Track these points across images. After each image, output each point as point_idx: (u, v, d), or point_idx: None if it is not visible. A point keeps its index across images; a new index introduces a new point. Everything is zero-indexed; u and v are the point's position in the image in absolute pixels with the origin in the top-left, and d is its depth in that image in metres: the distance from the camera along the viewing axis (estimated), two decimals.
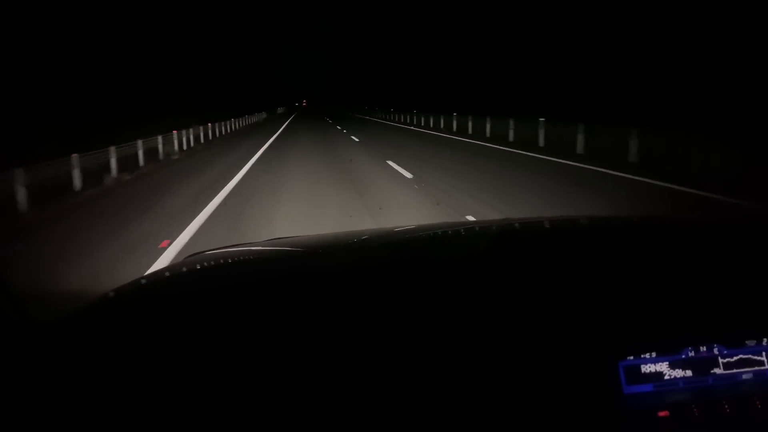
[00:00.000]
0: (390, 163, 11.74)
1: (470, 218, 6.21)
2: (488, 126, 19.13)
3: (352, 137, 21.13)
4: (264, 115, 50.52)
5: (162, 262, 4.73)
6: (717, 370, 0.74)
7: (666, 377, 0.73)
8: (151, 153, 14.08)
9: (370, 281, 0.96)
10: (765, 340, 0.76)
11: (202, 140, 20.94)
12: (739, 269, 0.94)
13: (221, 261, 1.26)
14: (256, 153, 15.41)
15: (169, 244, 5.31)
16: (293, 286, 0.95)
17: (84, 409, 0.67)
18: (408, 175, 9.80)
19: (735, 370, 0.74)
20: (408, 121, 34.24)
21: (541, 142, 14.65)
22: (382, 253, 1.25)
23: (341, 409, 0.67)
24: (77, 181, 9.36)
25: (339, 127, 29.71)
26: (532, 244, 1.24)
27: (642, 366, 0.73)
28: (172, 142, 16.47)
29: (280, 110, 74.56)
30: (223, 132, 26.52)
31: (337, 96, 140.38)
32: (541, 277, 0.93)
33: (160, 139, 15.30)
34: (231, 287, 0.98)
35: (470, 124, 21.35)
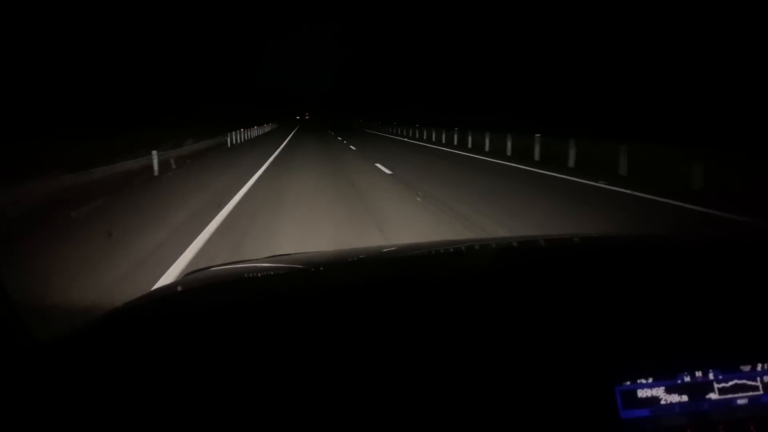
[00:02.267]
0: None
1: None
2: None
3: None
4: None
5: None
6: (712, 395, 0.75)
7: (662, 402, 0.74)
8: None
9: (371, 298, 0.97)
10: (760, 365, 0.77)
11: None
12: (734, 292, 0.95)
13: (221, 279, 1.27)
14: None
15: None
16: (294, 303, 0.97)
17: (87, 425, 0.67)
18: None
19: (730, 395, 0.75)
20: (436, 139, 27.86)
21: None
22: (383, 270, 1.26)
23: (341, 424, 0.67)
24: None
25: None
26: (529, 264, 1.25)
27: (638, 390, 0.73)
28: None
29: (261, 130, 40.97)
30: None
31: (344, 107, 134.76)
32: (537, 299, 0.94)
33: None
34: (231, 305, 0.99)
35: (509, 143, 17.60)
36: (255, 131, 35.50)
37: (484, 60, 32.28)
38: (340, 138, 32.91)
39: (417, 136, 32.29)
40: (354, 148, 22.47)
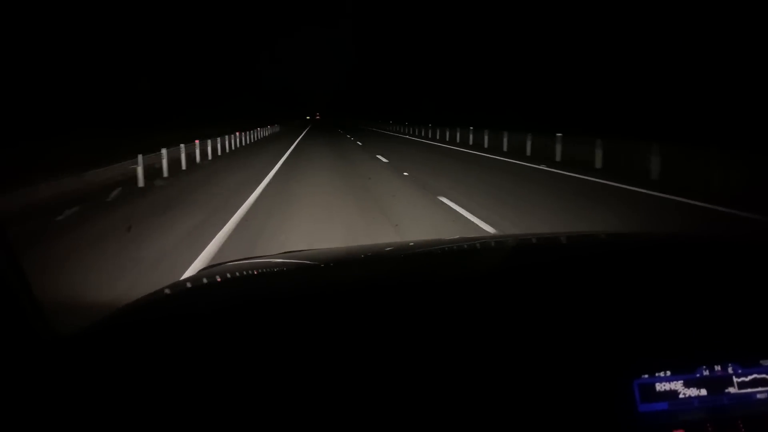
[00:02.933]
0: None
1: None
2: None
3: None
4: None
5: None
6: (731, 389, 0.75)
7: (680, 396, 0.73)
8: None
9: (382, 295, 0.98)
10: None
11: None
12: (755, 287, 0.94)
13: (236, 274, 1.28)
14: None
15: None
16: (307, 299, 0.97)
17: (104, 419, 0.68)
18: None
19: (749, 390, 0.75)
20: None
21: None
22: (394, 267, 1.26)
23: (352, 421, 0.68)
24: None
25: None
26: (548, 259, 1.25)
27: (657, 384, 0.73)
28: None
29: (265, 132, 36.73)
30: None
31: (355, 107, 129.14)
32: (556, 294, 0.94)
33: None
34: (245, 300, 1.00)
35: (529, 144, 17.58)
36: (259, 132, 33.24)
37: (495, 58, 32.19)
38: (349, 136, 35.55)
39: (430, 136, 32.08)
40: (360, 144, 26.77)
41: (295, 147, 23.81)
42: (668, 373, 0.74)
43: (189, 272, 4.75)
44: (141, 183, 10.85)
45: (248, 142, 27.66)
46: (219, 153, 19.51)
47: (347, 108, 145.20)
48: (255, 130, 31.53)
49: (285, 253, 1.54)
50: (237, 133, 24.35)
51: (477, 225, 6.51)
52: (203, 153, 17.31)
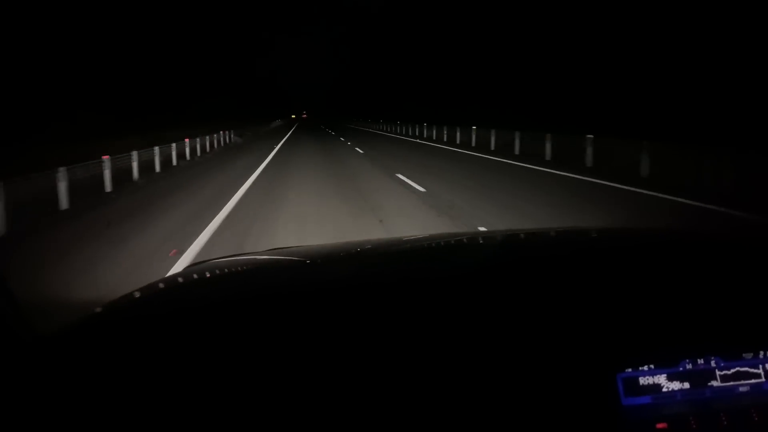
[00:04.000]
0: None
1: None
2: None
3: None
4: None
5: None
6: (714, 383, 0.75)
7: (664, 389, 0.74)
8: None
9: (371, 292, 0.98)
10: (762, 352, 0.77)
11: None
12: (736, 281, 0.96)
13: (222, 271, 1.27)
14: None
15: None
16: (294, 297, 0.97)
17: (87, 418, 0.67)
18: None
19: (732, 383, 0.76)
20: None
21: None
22: (382, 263, 1.26)
23: (339, 420, 0.68)
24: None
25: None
26: (532, 255, 1.25)
27: (640, 378, 0.74)
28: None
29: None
30: None
31: (342, 106, 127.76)
32: (540, 289, 0.95)
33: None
34: (230, 299, 0.99)
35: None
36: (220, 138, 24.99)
37: (488, 56, 32.23)
38: (337, 135, 35.77)
39: (419, 134, 32.44)
40: (349, 143, 27.14)
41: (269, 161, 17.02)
42: (651, 366, 0.74)
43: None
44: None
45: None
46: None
47: (336, 107, 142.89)
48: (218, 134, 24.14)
49: (272, 249, 1.53)
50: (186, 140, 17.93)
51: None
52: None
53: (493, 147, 19.60)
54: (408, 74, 54.44)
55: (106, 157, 10.86)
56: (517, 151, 17.69)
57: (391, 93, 60.59)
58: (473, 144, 21.95)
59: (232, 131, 28.57)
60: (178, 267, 4.98)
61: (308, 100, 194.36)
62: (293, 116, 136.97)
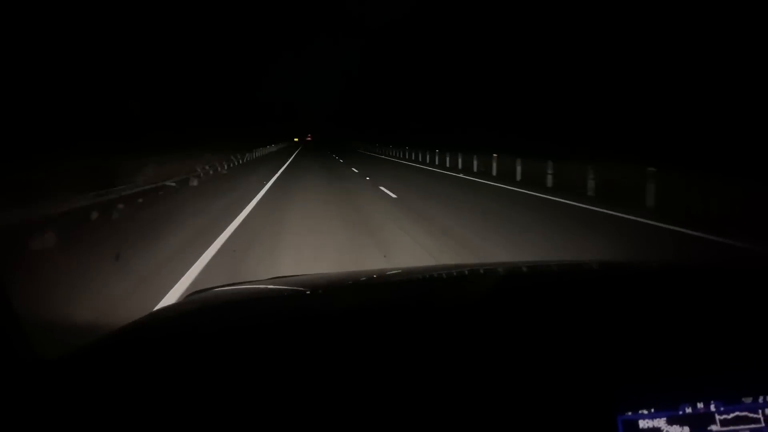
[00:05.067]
0: None
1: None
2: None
3: None
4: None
5: None
6: (714, 427, 0.75)
7: None
8: None
9: (372, 323, 0.98)
10: (761, 397, 0.77)
11: None
12: (737, 321, 0.96)
13: (224, 301, 1.28)
14: None
15: None
16: (296, 328, 0.98)
17: None
18: None
19: (732, 427, 0.76)
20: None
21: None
22: (385, 295, 1.27)
23: None
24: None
25: None
26: (532, 290, 1.26)
27: (640, 421, 0.74)
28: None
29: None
30: None
31: (350, 130, 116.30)
32: (539, 327, 0.95)
33: None
34: (234, 328, 1.00)
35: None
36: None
37: (503, 78, 32.31)
38: (348, 164, 27.00)
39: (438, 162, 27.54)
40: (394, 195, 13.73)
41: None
42: (652, 410, 0.74)
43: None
44: None
45: None
46: None
47: (342, 129, 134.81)
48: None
49: (275, 278, 1.54)
50: None
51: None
52: None
53: (592, 193, 12.92)
54: (417, 96, 54.24)
55: None
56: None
57: (400, 115, 59.46)
58: (549, 184, 15.13)
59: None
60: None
61: (312, 122, 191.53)
62: (296, 139, 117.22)
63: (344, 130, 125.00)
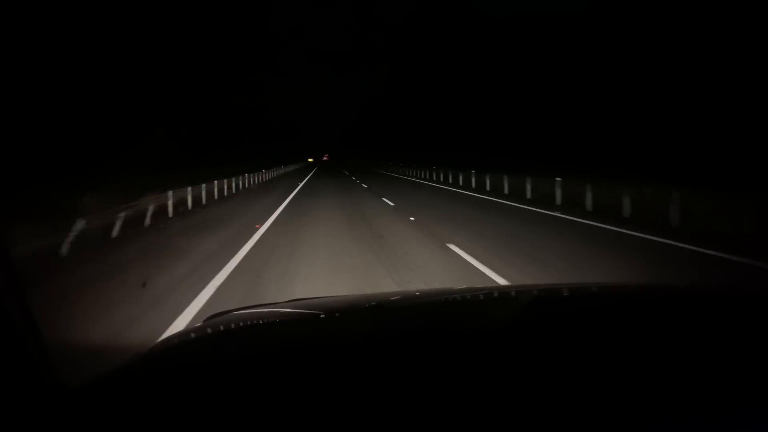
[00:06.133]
0: None
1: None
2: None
3: None
4: None
5: None
6: None
7: None
8: None
9: (388, 347, 0.99)
10: None
11: None
12: (757, 352, 0.94)
13: (244, 325, 1.30)
14: None
15: None
16: (315, 351, 0.99)
17: None
18: None
19: None
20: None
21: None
22: (403, 319, 1.28)
23: None
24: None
25: None
26: (551, 313, 1.25)
27: None
28: None
29: None
30: None
31: (370, 149, 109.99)
32: (556, 355, 0.95)
33: None
34: (255, 355, 1.01)
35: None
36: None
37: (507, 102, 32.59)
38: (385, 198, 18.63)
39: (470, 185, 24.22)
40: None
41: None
42: None
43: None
44: None
45: None
46: None
47: (361, 149, 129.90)
48: None
49: (292, 301, 1.54)
50: None
51: None
52: None
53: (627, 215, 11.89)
54: (439, 116, 53.70)
55: None
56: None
57: (428, 132, 57.40)
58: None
59: None
60: None
61: (329, 141, 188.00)
62: (310, 159, 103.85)
63: (364, 152, 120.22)
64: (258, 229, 10.59)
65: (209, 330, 1.28)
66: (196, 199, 16.02)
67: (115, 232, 9.79)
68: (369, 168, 62.86)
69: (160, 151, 23.91)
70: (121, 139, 21.99)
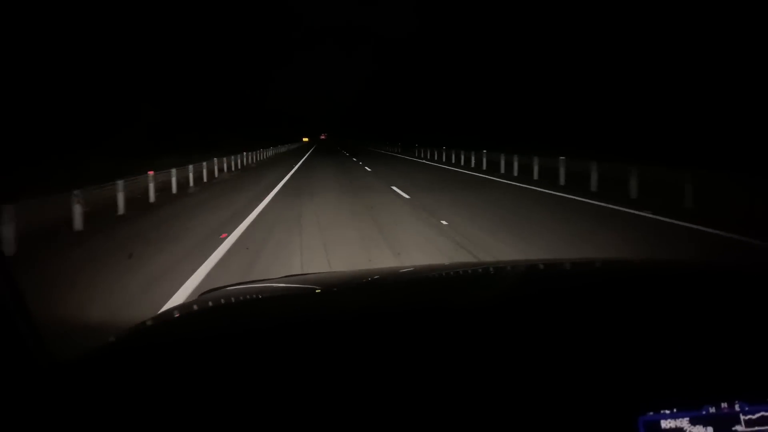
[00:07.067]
0: None
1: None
2: None
3: None
4: None
5: None
6: (738, 428, 0.74)
7: None
8: None
9: (383, 323, 0.98)
10: None
11: None
12: (761, 321, 0.93)
13: (238, 300, 1.28)
14: None
15: None
16: (310, 328, 0.98)
17: None
18: None
19: (757, 428, 0.74)
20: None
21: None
22: (399, 293, 1.27)
23: None
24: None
25: None
26: (550, 288, 1.25)
27: (662, 421, 0.73)
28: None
29: None
30: None
31: (367, 129, 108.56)
32: (558, 327, 0.94)
33: None
34: (248, 328, 1.00)
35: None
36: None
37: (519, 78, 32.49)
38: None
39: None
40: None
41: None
42: (674, 410, 0.73)
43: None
44: None
45: None
46: None
47: (359, 129, 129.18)
48: None
49: (287, 276, 1.53)
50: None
51: None
52: None
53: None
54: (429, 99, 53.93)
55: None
56: None
57: (429, 110, 56.36)
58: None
59: None
60: None
61: (327, 121, 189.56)
62: (305, 139, 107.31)
63: (362, 132, 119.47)
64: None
65: (204, 305, 1.27)
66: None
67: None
68: (367, 148, 64.54)
69: (153, 133, 25.00)
70: (120, 119, 23.01)
